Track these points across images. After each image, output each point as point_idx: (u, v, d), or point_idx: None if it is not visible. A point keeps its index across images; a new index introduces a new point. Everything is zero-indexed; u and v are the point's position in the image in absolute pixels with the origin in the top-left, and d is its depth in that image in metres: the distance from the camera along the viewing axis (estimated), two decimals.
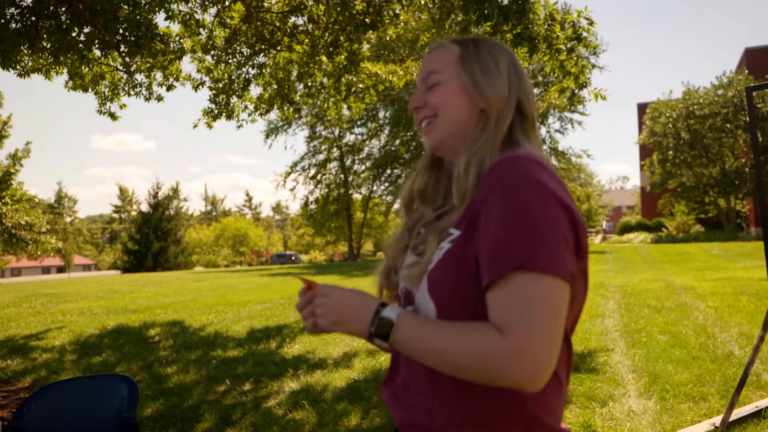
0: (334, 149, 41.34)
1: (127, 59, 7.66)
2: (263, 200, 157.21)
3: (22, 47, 6.67)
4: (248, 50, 8.32)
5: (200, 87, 8.74)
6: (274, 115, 31.35)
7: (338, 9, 7.34)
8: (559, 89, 6.81)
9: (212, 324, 9.36)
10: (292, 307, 11.15)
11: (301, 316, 1.27)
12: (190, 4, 7.67)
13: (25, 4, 6.48)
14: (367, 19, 7.11)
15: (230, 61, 8.46)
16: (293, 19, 8.07)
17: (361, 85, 8.89)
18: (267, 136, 39.72)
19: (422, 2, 7.63)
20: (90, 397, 2.33)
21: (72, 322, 10.17)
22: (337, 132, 40.37)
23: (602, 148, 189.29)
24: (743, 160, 32.29)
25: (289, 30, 8.03)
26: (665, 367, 5.43)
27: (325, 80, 8.87)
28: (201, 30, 8.04)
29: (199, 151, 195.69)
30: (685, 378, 5.06)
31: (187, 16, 7.74)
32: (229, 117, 9.02)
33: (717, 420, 4.03)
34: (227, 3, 7.70)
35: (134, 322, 9.82)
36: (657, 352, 6.00)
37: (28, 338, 8.73)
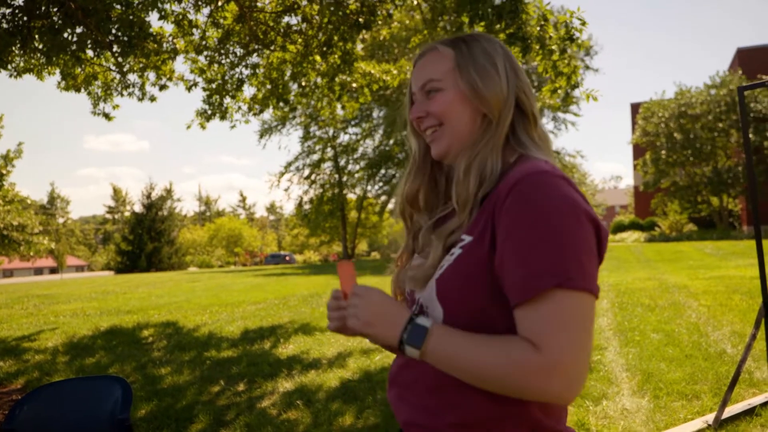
0: (328, 149, 41.30)
1: (119, 59, 7.64)
2: (257, 200, 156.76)
3: (13, 47, 6.64)
4: (242, 50, 8.31)
5: (193, 87, 8.72)
6: (267, 115, 31.35)
7: (332, 9, 7.34)
8: (551, 89, 6.83)
9: (206, 325, 9.34)
10: (286, 307, 11.15)
11: (328, 315, 1.28)
12: (183, 4, 7.65)
13: (17, 3, 6.46)
14: (360, 19, 7.11)
15: (223, 61, 8.45)
16: (287, 18, 8.06)
17: (354, 85, 8.89)
18: (261, 136, 39.68)
19: (414, 3, 7.64)
20: (83, 399, 2.32)
21: (65, 324, 10.13)
22: (331, 132, 40.35)
23: (595, 147, 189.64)
24: (735, 160, 32.42)
25: (282, 30, 8.02)
26: (658, 366, 5.45)
27: (319, 80, 8.87)
28: (194, 30, 8.02)
29: (192, 151, 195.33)
30: (678, 376, 5.08)
31: (180, 16, 7.72)
32: (222, 117, 9.01)
33: (710, 418, 4.04)
34: (220, 3, 7.68)
35: (128, 323, 9.80)
36: (650, 351, 6.01)
37: (20, 340, 8.70)
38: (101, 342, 8.15)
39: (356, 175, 42.08)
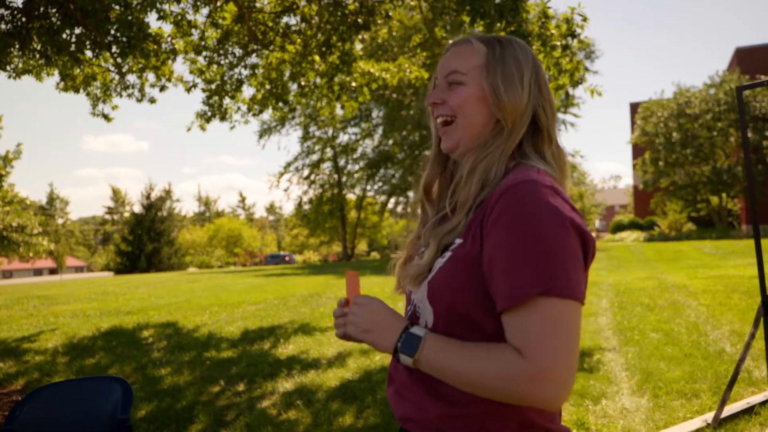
0: (328, 149, 41.35)
1: (118, 60, 7.64)
2: (257, 201, 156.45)
3: (12, 48, 6.64)
4: (241, 51, 8.31)
5: (193, 89, 8.72)
6: (267, 115, 31.34)
7: (331, 9, 7.34)
8: (554, 87, 6.83)
9: (206, 325, 9.34)
10: (285, 307, 11.15)
11: (334, 323, 1.31)
12: (181, 5, 7.65)
13: (16, 5, 6.46)
14: (359, 19, 7.11)
15: (222, 61, 8.45)
16: (286, 19, 8.07)
17: (354, 84, 8.90)
18: (260, 137, 39.73)
19: (413, 3, 7.65)
20: (84, 400, 2.32)
21: (65, 324, 10.13)
22: (330, 132, 40.40)
23: (595, 147, 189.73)
24: (734, 159, 32.41)
25: (281, 30, 8.02)
26: (658, 365, 5.45)
27: (318, 80, 8.87)
28: (193, 30, 8.02)
29: (192, 151, 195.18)
30: (678, 375, 5.09)
31: (179, 17, 7.72)
32: (222, 119, 9.01)
33: (709, 417, 4.05)
34: (219, 3, 7.68)
35: (128, 324, 9.79)
36: (650, 350, 6.02)
37: (20, 341, 8.69)
38: (101, 343, 8.15)
39: (356, 175, 42.13)
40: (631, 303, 9.04)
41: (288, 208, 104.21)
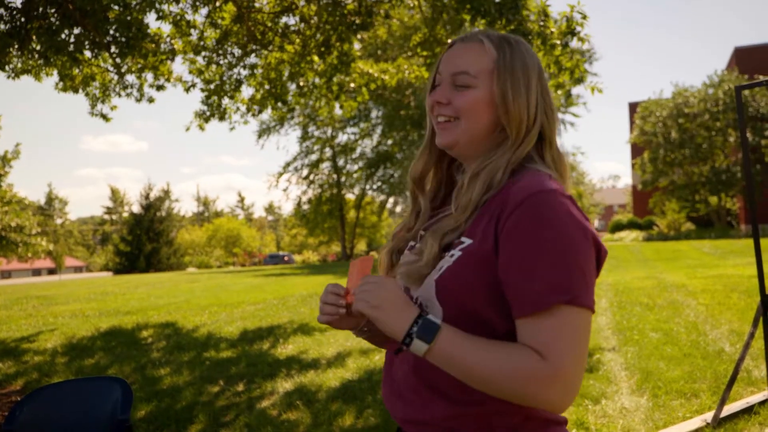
0: (327, 149, 41.34)
1: (117, 60, 7.64)
2: (256, 201, 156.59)
3: (11, 48, 6.63)
4: (240, 51, 8.31)
5: (192, 89, 8.72)
6: (266, 115, 31.32)
7: (329, 9, 7.34)
8: (554, 85, 6.83)
9: (205, 325, 9.34)
10: (285, 307, 11.14)
11: (321, 307, 1.30)
12: (180, 5, 7.65)
13: (14, 5, 6.45)
14: (358, 20, 7.11)
15: (221, 62, 8.45)
16: (285, 19, 8.07)
17: (353, 85, 8.90)
18: (259, 137, 39.72)
19: (413, 2, 7.64)
20: (84, 400, 2.32)
21: (64, 325, 10.13)
22: (329, 132, 40.39)
23: (594, 146, 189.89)
24: (733, 159, 32.41)
25: (280, 30, 8.02)
26: (657, 365, 5.45)
27: (317, 80, 8.87)
28: (192, 31, 8.01)
29: (191, 151, 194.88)
30: (677, 375, 5.09)
31: (178, 17, 7.72)
32: (221, 118, 9.01)
33: (708, 416, 4.05)
34: (218, 3, 7.68)
35: (127, 324, 9.79)
36: (649, 350, 6.02)
37: (19, 341, 8.68)
38: (100, 343, 8.14)
39: (355, 175, 42.12)
40: (630, 302, 9.04)
41: (287, 208, 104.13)
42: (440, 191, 1.43)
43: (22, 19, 6.45)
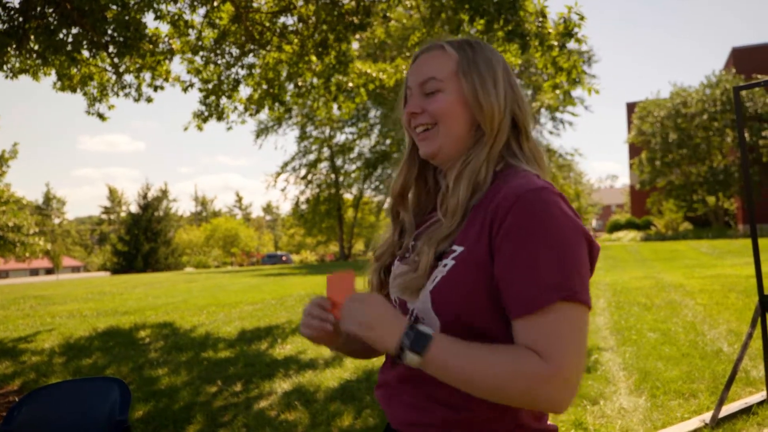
0: (325, 149, 41.30)
1: (115, 60, 7.63)
2: (254, 201, 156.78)
3: (9, 48, 6.62)
4: (237, 51, 8.30)
5: (190, 88, 8.71)
6: (264, 115, 31.31)
7: (328, 9, 7.34)
8: (552, 85, 6.84)
9: (203, 325, 9.32)
10: (283, 307, 11.13)
11: (303, 321, 1.30)
12: (178, 5, 7.65)
13: (12, 4, 6.44)
14: (356, 20, 7.10)
15: (219, 61, 8.44)
16: (283, 19, 8.06)
17: (351, 85, 8.89)
18: (257, 137, 39.66)
19: (410, 4, 7.64)
20: (82, 400, 2.32)
21: (61, 325, 10.11)
22: (327, 132, 40.35)
23: (591, 146, 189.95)
24: (731, 159, 32.43)
25: (278, 30, 8.01)
26: (655, 365, 5.45)
27: (314, 80, 8.86)
28: (190, 30, 8.01)
29: (189, 151, 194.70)
30: (675, 375, 5.08)
31: (176, 17, 7.72)
32: (219, 118, 9.01)
33: (707, 416, 4.04)
34: (216, 3, 7.67)
35: (124, 324, 9.77)
36: (647, 350, 6.02)
37: (17, 341, 8.67)
38: (98, 343, 8.13)
39: (353, 175, 42.08)
40: (628, 302, 9.04)
41: (285, 208, 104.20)
42: (423, 202, 1.42)
43: (20, 19, 6.44)
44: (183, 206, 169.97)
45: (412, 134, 1.34)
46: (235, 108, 9.11)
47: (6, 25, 6.42)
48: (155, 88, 8.54)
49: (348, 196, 44.28)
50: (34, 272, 66.53)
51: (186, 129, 9.23)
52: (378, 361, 6.10)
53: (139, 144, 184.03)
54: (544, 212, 1.12)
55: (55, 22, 6.57)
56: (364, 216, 46.80)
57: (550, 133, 37.35)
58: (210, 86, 8.63)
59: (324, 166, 42.14)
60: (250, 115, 9.17)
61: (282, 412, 4.78)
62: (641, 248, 23.68)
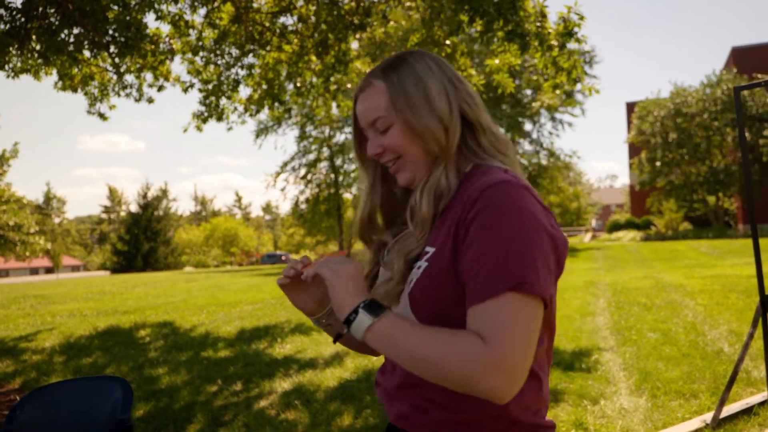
0: (324, 149, 41.26)
1: (116, 60, 7.63)
2: (253, 200, 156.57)
3: (11, 48, 6.62)
4: (237, 51, 8.30)
5: (190, 89, 8.71)
6: (264, 115, 31.30)
7: (327, 9, 7.33)
8: (552, 85, 6.83)
9: (203, 324, 9.32)
10: (282, 307, 11.13)
11: (285, 270, 1.34)
12: (179, 5, 7.64)
13: (14, 5, 6.44)
14: (355, 20, 7.10)
15: (219, 62, 8.44)
16: (282, 19, 8.06)
17: (350, 85, 8.89)
18: (257, 137, 39.61)
19: (410, 4, 7.64)
20: (84, 399, 2.32)
21: (62, 324, 10.11)
22: (327, 132, 40.31)
23: (591, 146, 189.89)
24: (731, 158, 32.40)
25: (278, 30, 8.01)
26: (656, 365, 5.45)
27: (314, 80, 8.86)
28: (190, 31, 8.01)
29: (188, 151, 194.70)
30: (676, 375, 5.08)
31: (177, 17, 7.71)
32: (219, 119, 9.00)
33: (708, 417, 4.04)
34: (217, 3, 7.67)
35: (124, 324, 9.77)
36: (647, 350, 6.02)
37: (17, 340, 8.67)
38: (98, 342, 8.13)
39: (352, 175, 42.02)
40: (628, 303, 9.04)
41: (284, 208, 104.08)
42: (395, 213, 1.44)
43: (22, 19, 6.44)
44: (182, 206, 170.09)
45: (388, 167, 1.35)
46: (235, 108, 9.11)
47: (8, 26, 6.41)
48: (158, 89, 8.54)
49: (348, 196, 44.21)
50: (34, 271, 66.51)
51: (186, 130, 9.23)
52: (378, 361, 6.10)
53: (139, 144, 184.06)
54: (503, 205, 1.12)
55: (57, 23, 6.57)
56: None
57: (550, 133, 37.16)
58: (210, 87, 8.63)
59: (323, 165, 42.09)
60: (250, 115, 9.16)
61: (282, 411, 4.78)
62: (641, 248, 23.69)
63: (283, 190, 43.29)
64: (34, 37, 6.63)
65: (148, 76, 8.54)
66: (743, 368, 5.08)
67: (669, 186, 33.44)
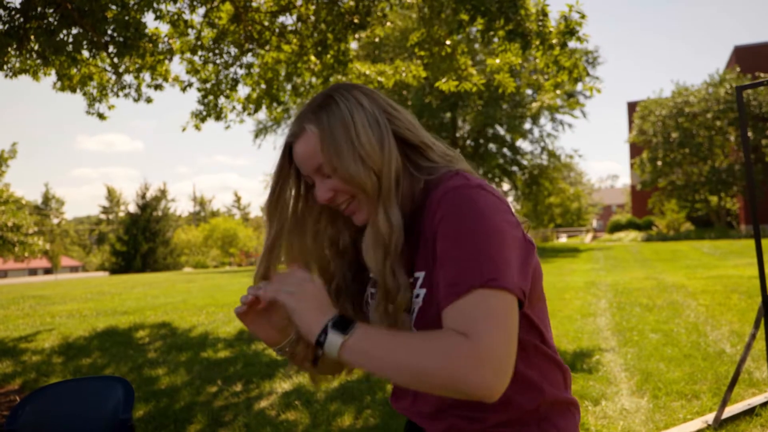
0: None
1: (115, 60, 7.61)
2: (252, 201, 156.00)
3: (9, 48, 6.61)
4: (236, 50, 8.29)
5: (188, 88, 8.70)
6: (262, 114, 31.30)
7: (327, 8, 7.32)
8: (553, 84, 6.82)
9: (202, 325, 9.30)
10: None
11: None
12: (178, 5, 7.64)
13: (13, 5, 6.42)
14: (355, 19, 7.09)
15: (218, 61, 8.43)
16: (282, 18, 8.05)
17: None
18: (256, 136, 39.54)
19: (411, 2, 7.62)
20: (85, 399, 2.31)
21: (61, 325, 10.09)
22: None
23: (592, 146, 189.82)
24: (733, 158, 32.28)
25: (277, 30, 8.00)
26: (657, 366, 5.43)
27: (313, 80, 8.84)
28: (189, 30, 8.00)
29: (187, 151, 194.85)
30: (678, 376, 5.06)
31: (176, 17, 7.70)
32: (217, 118, 8.99)
33: (709, 418, 4.03)
34: (216, 3, 7.66)
35: (123, 324, 9.75)
36: (649, 351, 6.00)
37: (17, 341, 8.65)
38: (97, 343, 8.11)
39: None
40: (629, 303, 9.02)
41: None
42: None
43: (21, 19, 6.42)
44: (181, 206, 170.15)
45: (340, 210, 1.32)
46: (234, 107, 9.10)
47: (6, 26, 6.39)
48: (156, 88, 8.52)
49: None
50: (33, 272, 66.46)
51: (184, 129, 9.22)
52: None
53: (137, 144, 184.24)
54: (461, 209, 1.12)
55: (56, 23, 6.55)
56: None
57: (548, 135, 37.01)
58: (208, 86, 8.62)
59: None
60: (249, 114, 9.16)
61: (282, 412, 4.77)
62: (642, 249, 23.64)
63: None
64: (32, 37, 6.61)
65: (147, 76, 8.52)
66: (745, 369, 5.06)
67: (671, 186, 33.25)
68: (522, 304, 1.11)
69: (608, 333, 7.04)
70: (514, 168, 35.17)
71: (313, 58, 8.02)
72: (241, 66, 8.49)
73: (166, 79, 8.46)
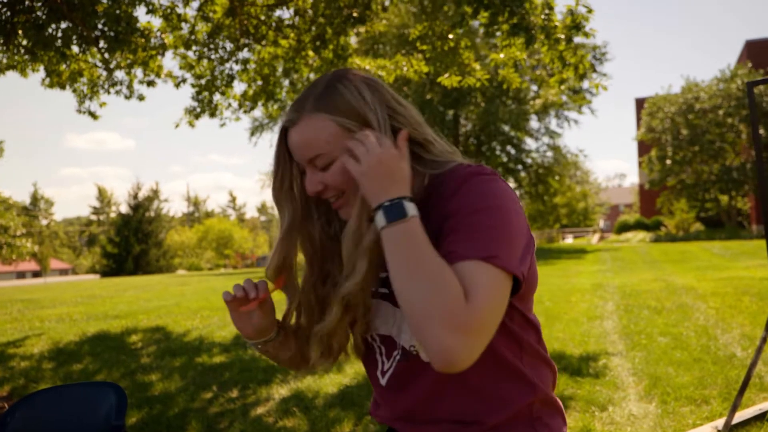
0: None
1: (106, 55, 7.49)
2: (248, 201, 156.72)
3: None
4: (232, 45, 8.18)
5: (182, 84, 8.56)
6: (258, 112, 31.24)
7: (325, 2, 7.22)
8: (557, 80, 6.72)
9: (197, 329, 9.18)
10: (279, 310, 10.88)
11: None
12: None
13: None
14: (354, 13, 7.00)
15: (213, 56, 8.32)
16: (279, 12, 7.97)
17: None
18: (251, 134, 39.47)
19: None
20: (77, 406, 2.25)
21: (51, 329, 9.95)
22: None
23: (599, 144, 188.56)
24: (745, 156, 31.99)
25: (274, 24, 7.90)
26: (666, 370, 5.35)
27: (311, 75, 8.75)
28: (183, 24, 7.88)
29: (180, 150, 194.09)
30: (687, 380, 4.99)
31: (169, 10, 7.60)
32: (212, 115, 8.88)
33: (719, 423, 3.96)
34: None
35: (115, 329, 9.63)
36: (657, 355, 5.92)
37: (5, 346, 8.53)
38: (88, 348, 8.00)
39: None
40: (637, 306, 8.95)
41: None
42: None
43: (8, 13, 6.34)
44: (175, 206, 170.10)
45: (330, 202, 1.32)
46: (229, 104, 8.99)
47: None
48: (148, 84, 8.38)
49: None
50: (21, 275, 66.11)
51: (177, 126, 9.09)
52: None
53: (129, 142, 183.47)
54: (481, 187, 1.17)
55: (44, 17, 6.45)
56: None
57: (553, 133, 36.81)
58: (203, 82, 8.50)
59: None
60: (245, 111, 9.07)
61: (280, 418, 4.67)
62: (651, 249, 23.61)
63: None
64: (20, 31, 6.51)
65: (139, 72, 8.39)
66: (756, 373, 4.98)
67: (680, 185, 32.83)
68: (520, 287, 1.16)
69: (615, 336, 6.96)
70: (519, 167, 35.12)
71: (311, 53, 7.93)
72: (236, 61, 8.39)
73: (158, 75, 8.33)
